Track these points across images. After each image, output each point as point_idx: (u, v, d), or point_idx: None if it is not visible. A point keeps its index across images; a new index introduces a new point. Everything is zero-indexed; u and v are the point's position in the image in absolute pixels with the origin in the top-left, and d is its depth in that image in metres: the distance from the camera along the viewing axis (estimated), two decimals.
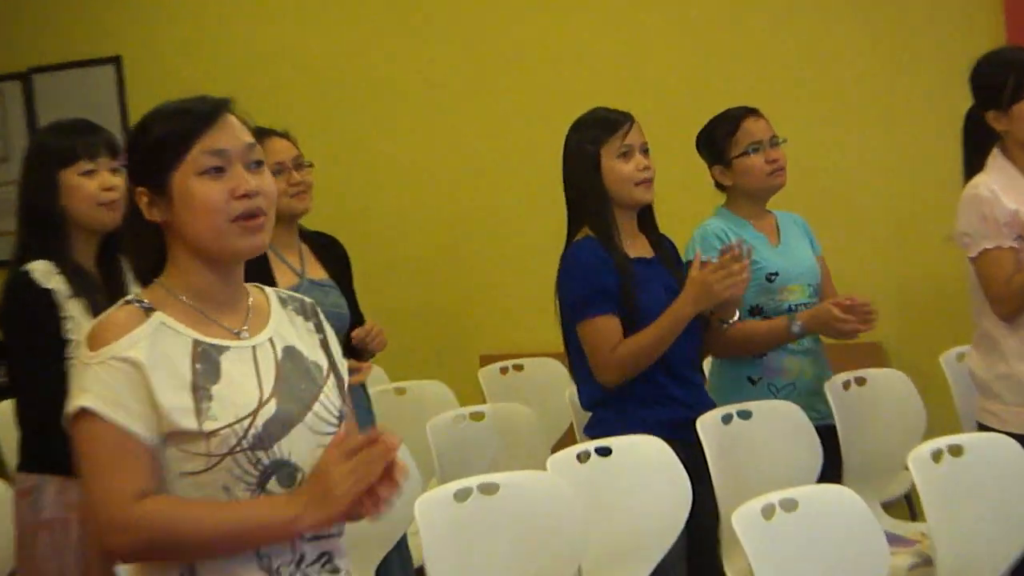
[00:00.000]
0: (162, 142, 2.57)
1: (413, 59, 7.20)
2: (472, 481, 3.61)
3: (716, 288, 4.14)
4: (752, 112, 4.76)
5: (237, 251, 2.60)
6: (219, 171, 2.56)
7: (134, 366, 2.49)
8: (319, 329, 2.80)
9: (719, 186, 4.79)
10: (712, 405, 4.38)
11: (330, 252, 4.69)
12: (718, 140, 4.73)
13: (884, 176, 6.20)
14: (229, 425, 2.50)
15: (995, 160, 4.32)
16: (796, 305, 4.65)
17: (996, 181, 4.26)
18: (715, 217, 4.74)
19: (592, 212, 4.31)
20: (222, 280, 2.64)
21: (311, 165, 4.58)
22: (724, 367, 4.74)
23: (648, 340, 4.19)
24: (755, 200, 4.76)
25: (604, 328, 4.21)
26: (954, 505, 3.74)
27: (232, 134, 2.60)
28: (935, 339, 5.39)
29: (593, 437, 4.18)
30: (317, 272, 4.56)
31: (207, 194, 2.54)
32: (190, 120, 2.57)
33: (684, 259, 4.57)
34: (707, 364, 4.90)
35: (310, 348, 2.73)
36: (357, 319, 4.61)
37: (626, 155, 4.30)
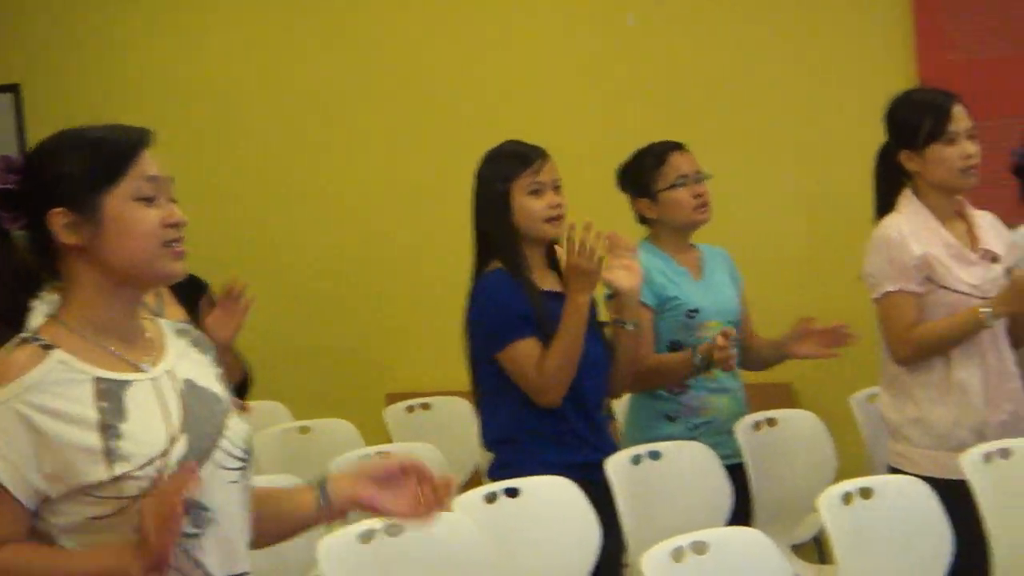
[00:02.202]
0: (97, 164, 2.52)
1: (320, 92, 7.14)
2: (377, 522, 3.54)
3: (583, 264, 4.10)
4: (678, 147, 4.77)
5: (168, 274, 2.57)
6: (151, 199, 2.53)
7: (24, 415, 2.41)
8: (215, 362, 2.74)
9: (643, 220, 4.78)
10: (615, 446, 4.34)
11: (189, 292, 4.63)
12: (644, 173, 4.72)
13: (798, 212, 6.22)
14: (141, 467, 2.43)
15: (907, 200, 4.33)
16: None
17: (907, 222, 4.27)
18: (639, 251, 4.72)
19: (502, 247, 4.26)
20: (126, 312, 2.59)
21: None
22: (642, 404, 4.73)
23: (563, 345, 4.15)
24: (679, 234, 4.77)
25: (528, 350, 4.17)
26: (864, 548, 3.72)
27: (157, 164, 2.57)
28: (845, 380, 5.38)
29: (496, 480, 4.13)
30: (175, 313, 4.50)
31: (144, 218, 2.51)
32: (125, 145, 2.54)
33: (605, 294, 4.53)
34: (625, 400, 4.89)
35: (208, 381, 2.67)
36: None
37: (537, 192, 4.26)
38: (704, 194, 4.72)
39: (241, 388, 5.15)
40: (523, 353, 4.16)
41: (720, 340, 4.39)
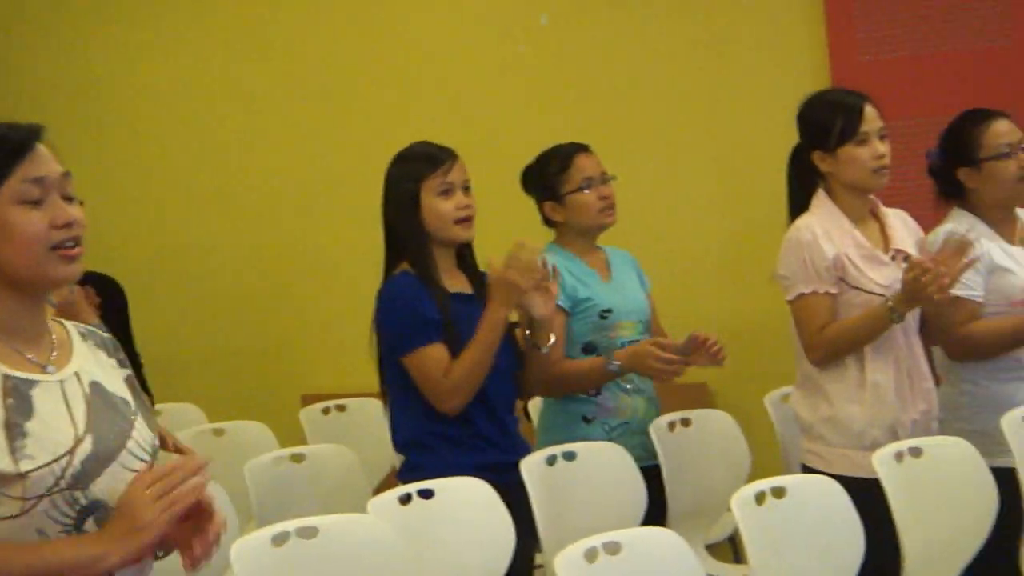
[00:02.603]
0: None
1: (234, 94, 7.09)
2: (290, 524, 3.52)
3: (517, 280, 4.11)
4: (583, 148, 4.76)
5: (55, 279, 2.52)
6: (37, 201, 2.48)
7: None
8: (123, 364, 2.71)
9: (548, 222, 4.77)
10: (526, 448, 4.34)
11: (99, 293, 4.59)
12: (550, 176, 4.72)
13: (711, 214, 6.24)
14: (46, 464, 2.39)
15: (819, 201, 4.36)
16: (628, 342, 4.64)
17: (819, 223, 4.29)
18: (546, 253, 4.71)
19: (410, 248, 4.25)
20: (29, 312, 2.55)
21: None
22: (557, 406, 4.72)
23: (474, 356, 4.15)
24: (586, 236, 4.76)
25: (432, 357, 4.16)
26: (777, 547, 3.72)
27: (48, 163, 2.52)
28: (760, 380, 5.41)
29: (406, 483, 4.10)
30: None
31: (28, 223, 2.47)
32: (7, 147, 2.49)
33: None
34: (538, 402, 4.88)
35: (115, 383, 2.64)
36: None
37: (447, 192, 4.24)
38: (610, 196, 4.72)
39: None
40: (429, 359, 4.16)
41: (656, 352, 4.39)
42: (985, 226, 4.55)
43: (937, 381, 4.49)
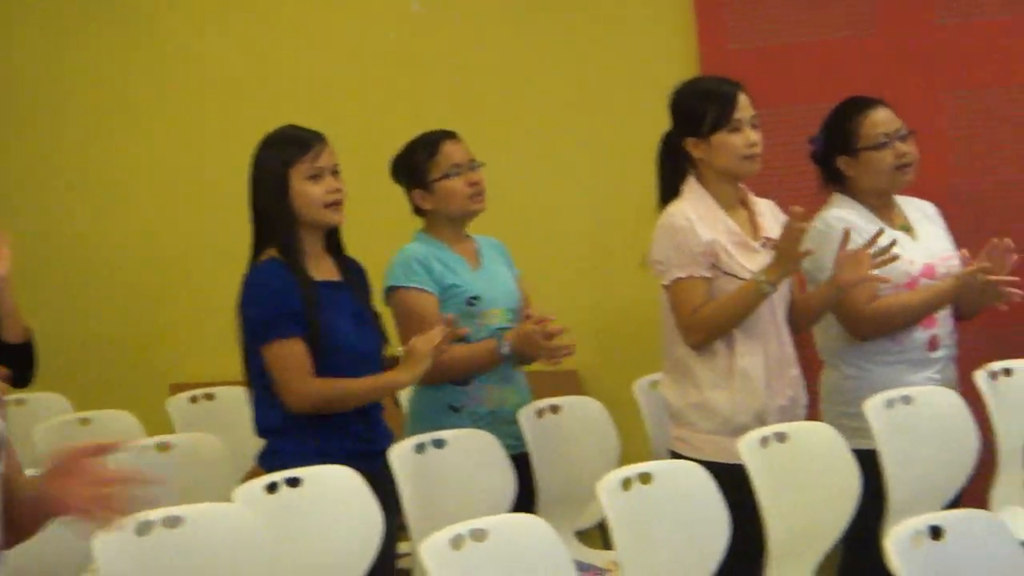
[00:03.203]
0: None
1: (104, 76, 7.00)
2: (154, 514, 3.46)
3: (431, 356, 4.18)
4: (451, 136, 4.75)
5: None
6: None
7: None
8: None
9: (417, 210, 4.76)
10: (391, 436, 4.33)
11: None
12: (417, 163, 4.70)
13: (581, 202, 6.24)
14: None
15: (691, 187, 4.38)
16: (497, 329, 4.64)
17: (692, 209, 4.32)
18: (414, 241, 4.71)
19: (278, 233, 4.22)
20: None
21: None
22: (426, 394, 4.71)
23: (349, 392, 4.18)
24: (455, 224, 4.75)
25: (291, 351, 4.13)
26: (643, 533, 3.75)
27: None
28: (629, 366, 5.43)
29: (267, 468, 4.10)
30: None
31: None
32: None
33: (385, 285, 4.58)
34: (408, 390, 4.87)
35: None
36: None
37: (316, 177, 4.21)
38: (479, 182, 4.71)
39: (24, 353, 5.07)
40: (285, 353, 4.14)
41: (541, 329, 4.40)
42: (868, 212, 4.62)
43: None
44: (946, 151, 5.31)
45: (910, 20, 5.47)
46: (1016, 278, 4.42)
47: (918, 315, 4.54)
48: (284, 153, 4.23)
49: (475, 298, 4.62)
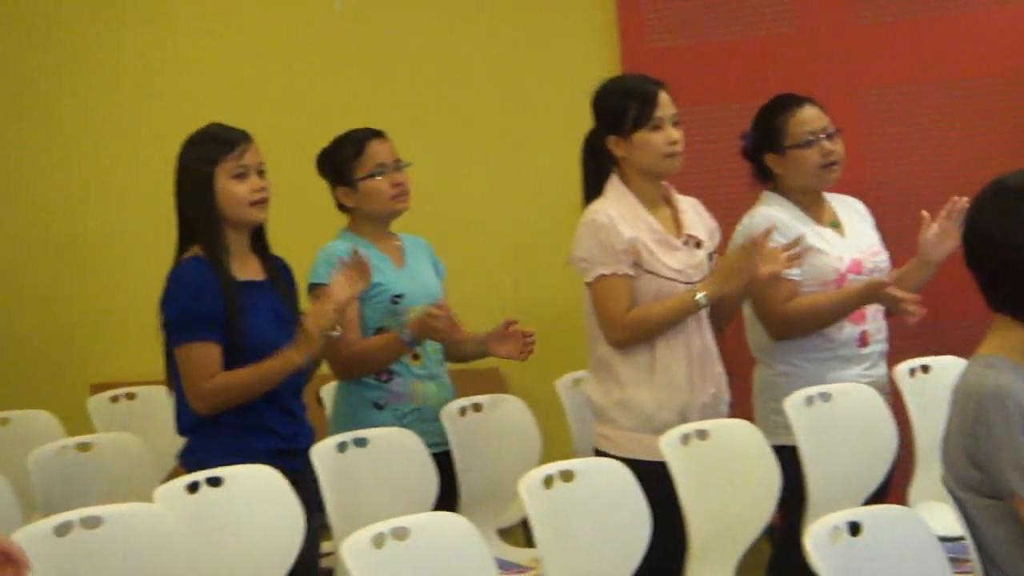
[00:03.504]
0: None
1: (17, 79, 6.93)
2: (73, 515, 3.43)
3: (327, 334, 4.16)
4: (378, 135, 4.76)
5: None
6: None
7: None
8: None
9: (342, 208, 4.75)
10: (313, 435, 4.32)
11: None
12: (343, 161, 4.71)
13: (504, 200, 6.24)
14: None
15: (613, 185, 4.39)
16: None
17: (614, 207, 4.33)
18: (339, 239, 4.72)
19: (203, 231, 4.20)
20: None
21: None
22: (349, 392, 4.72)
23: (249, 380, 4.15)
24: (378, 223, 4.77)
25: (201, 354, 4.13)
26: (565, 530, 3.75)
27: None
28: (552, 365, 5.42)
29: (187, 466, 4.10)
30: None
31: None
32: None
33: (309, 282, 4.57)
34: (332, 388, 4.86)
35: None
36: None
37: (241, 175, 4.20)
38: (403, 183, 4.74)
39: None
40: (197, 356, 4.13)
41: (432, 310, 4.42)
42: (797, 209, 4.65)
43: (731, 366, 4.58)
44: (867, 148, 5.34)
45: (829, 19, 5.51)
46: (917, 296, 4.46)
47: (830, 317, 4.57)
48: (209, 151, 4.22)
49: (399, 296, 4.63)
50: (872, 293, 4.50)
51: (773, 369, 4.69)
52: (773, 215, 4.60)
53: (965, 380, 3.08)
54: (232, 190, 4.19)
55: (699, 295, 4.24)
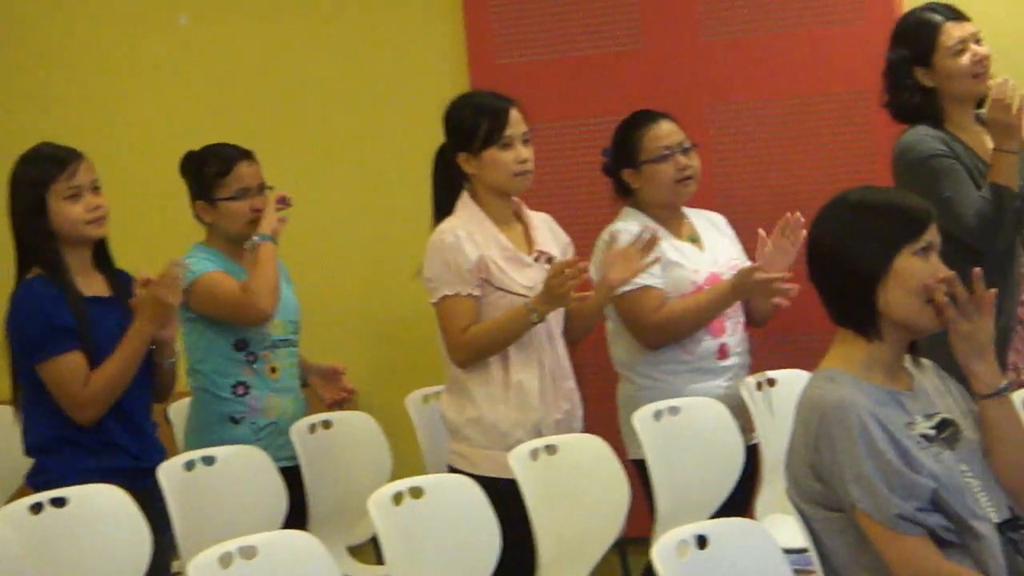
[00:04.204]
0: None
1: None
2: None
3: (166, 297, 4.11)
4: (247, 156, 4.77)
5: None
6: None
7: None
8: None
9: (199, 218, 4.76)
10: (163, 453, 4.28)
11: None
12: (207, 176, 4.70)
13: (356, 217, 6.20)
14: None
15: (464, 203, 4.40)
16: (279, 340, 4.71)
17: (463, 225, 4.33)
18: (192, 253, 4.70)
19: (40, 252, 4.15)
20: None
21: None
22: (204, 406, 4.71)
23: (116, 368, 4.12)
24: (235, 241, 4.75)
25: (70, 365, 4.09)
26: (414, 547, 3.74)
27: None
28: (402, 381, 5.42)
29: (34, 487, 4.05)
30: None
31: None
32: None
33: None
34: (183, 405, 4.82)
35: None
36: None
37: (74, 196, 4.16)
38: (264, 207, 4.73)
39: None
40: (65, 368, 4.09)
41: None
42: (655, 223, 4.68)
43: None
44: (713, 162, 5.39)
45: (674, 36, 5.55)
46: (790, 274, 4.53)
47: (702, 317, 4.60)
48: (40, 173, 4.18)
49: None
50: (743, 282, 4.53)
51: (634, 383, 4.71)
52: (628, 229, 4.63)
53: (808, 394, 3.12)
54: (66, 212, 4.15)
55: (532, 309, 4.24)
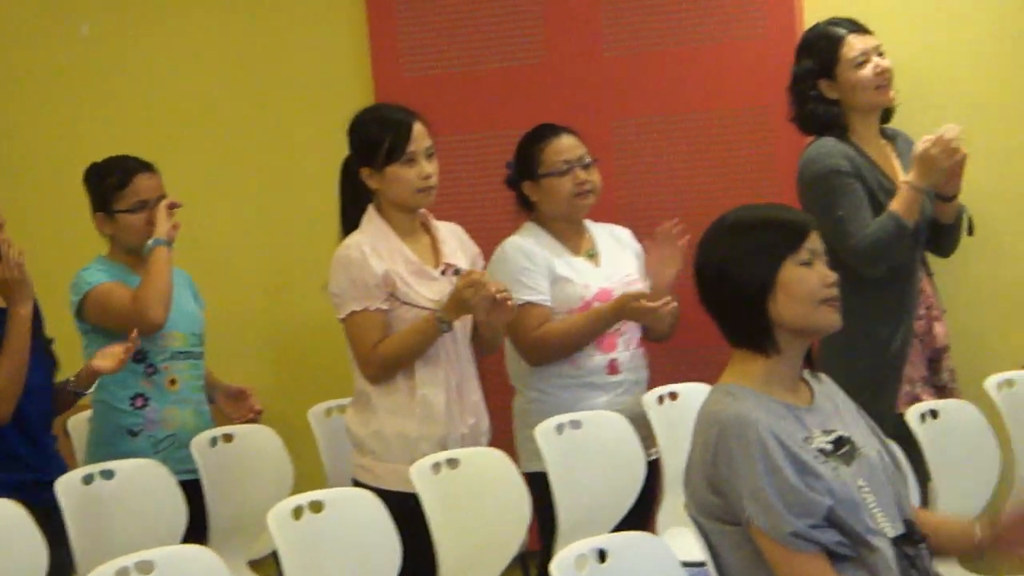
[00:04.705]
0: None
1: None
2: None
3: (13, 276, 4.14)
4: (147, 168, 4.76)
5: None
6: None
7: None
8: None
9: (102, 232, 4.76)
10: (63, 467, 4.25)
11: None
12: (107, 189, 4.71)
13: (260, 230, 6.16)
14: None
15: (369, 217, 4.39)
16: (179, 352, 4.70)
17: (369, 240, 4.32)
18: (94, 265, 4.72)
19: None
20: None
21: None
22: (103, 418, 4.68)
23: (11, 360, 4.12)
24: (135, 252, 4.73)
25: None
26: (314, 562, 3.72)
27: None
28: (305, 394, 5.40)
29: None
30: None
31: None
32: None
33: (72, 306, 4.62)
34: (82, 419, 4.78)
35: None
36: None
37: None
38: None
39: None
40: None
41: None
42: (551, 238, 4.70)
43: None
44: (615, 177, 5.41)
45: (578, 50, 5.56)
46: (668, 297, 4.56)
47: (581, 337, 4.63)
48: None
49: None
50: (624, 306, 4.57)
51: (525, 396, 4.73)
52: (521, 244, 4.65)
53: (706, 408, 3.13)
54: None
55: (440, 317, 4.25)
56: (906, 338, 4.73)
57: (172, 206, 4.70)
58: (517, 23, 5.64)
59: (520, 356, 4.69)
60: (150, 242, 4.62)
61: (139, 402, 4.63)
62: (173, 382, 4.68)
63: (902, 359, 4.72)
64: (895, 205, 4.62)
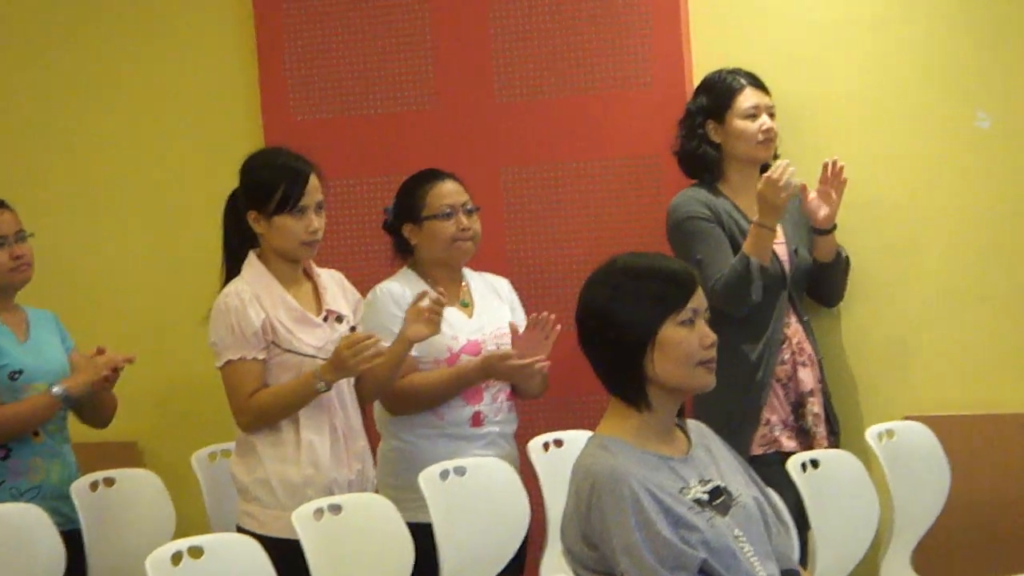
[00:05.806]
0: None
1: None
2: None
3: None
4: (0, 204, 4.69)
5: None
6: None
7: None
8: None
9: None
10: None
11: None
12: None
13: (145, 272, 6.08)
14: None
15: (251, 263, 4.39)
16: None
17: (249, 288, 4.33)
18: None
19: None
20: None
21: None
22: None
23: None
24: (3, 295, 4.69)
25: None
26: None
27: None
28: (189, 438, 5.35)
29: None
30: None
31: None
32: None
33: None
34: None
35: None
36: None
37: None
38: (24, 255, 4.67)
39: None
40: None
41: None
42: (425, 285, 4.67)
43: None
44: (506, 224, 5.43)
45: (469, 97, 5.57)
46: (541, 357, 4.58)
47: (445, 392, 4.62)
48: None
49: (18, 372, 4.56)
50: (489, 367, 4.58)
51: (388, 444, 4.72)
52: (392, 290, 4.64)
53: (580, 461, 3.13)
54: None
55: (318, 378, 4.24)
56: (764, 379, 4.79)
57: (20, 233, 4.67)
58: (408, 68, 5.63)
59: (381, 404, 4.69)
60: (56, 389, 4.56)
61: (1, 453, 4.57)
62: (37, 434, 4.62)
63: (759, 402, 4.78)
64: (745, 245, 4.73)
